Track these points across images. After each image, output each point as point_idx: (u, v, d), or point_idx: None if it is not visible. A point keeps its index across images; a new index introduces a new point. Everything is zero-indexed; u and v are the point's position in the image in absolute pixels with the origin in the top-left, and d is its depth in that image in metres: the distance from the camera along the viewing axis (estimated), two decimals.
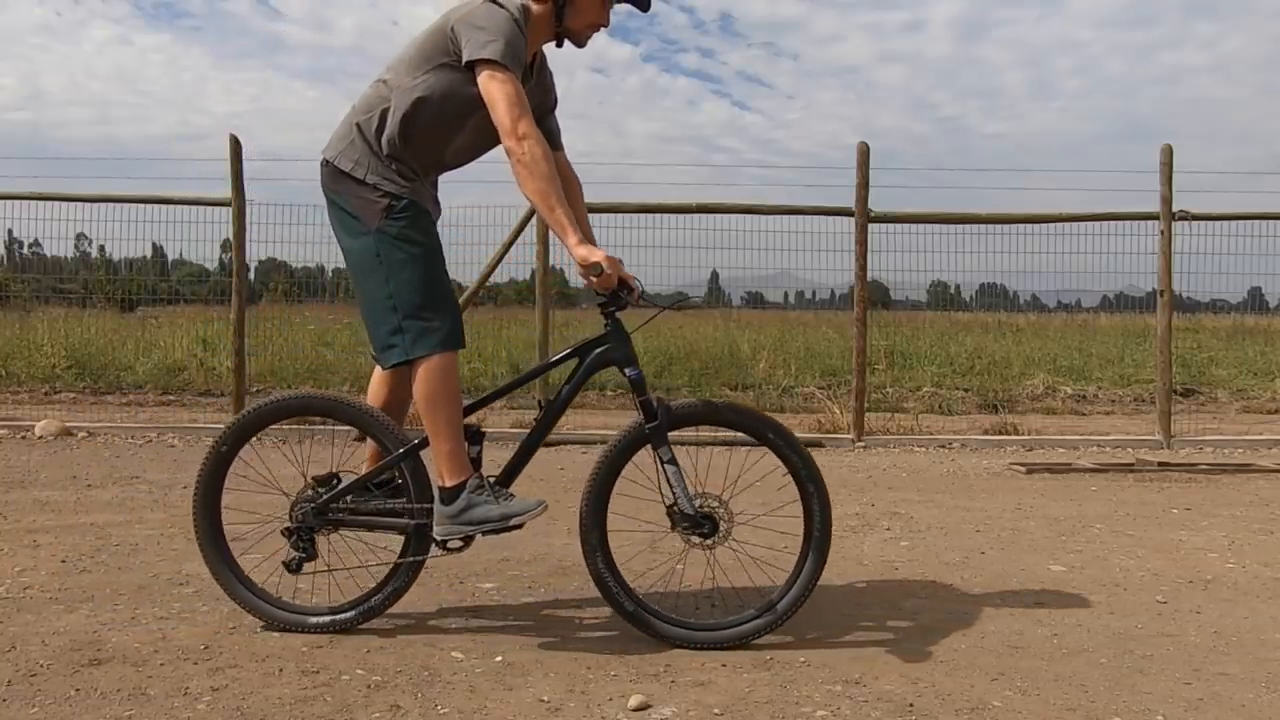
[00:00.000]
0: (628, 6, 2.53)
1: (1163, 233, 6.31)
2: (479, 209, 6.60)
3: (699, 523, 2.44)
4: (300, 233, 6.70)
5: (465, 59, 2.34)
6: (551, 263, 6.43)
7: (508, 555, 3.30)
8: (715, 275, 7.96)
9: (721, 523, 2.46)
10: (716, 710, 2.04)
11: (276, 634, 2.47)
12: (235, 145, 6.36)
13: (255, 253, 6.73)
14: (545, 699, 2.09)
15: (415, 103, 2.40)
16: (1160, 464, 5.51)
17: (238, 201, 6.40)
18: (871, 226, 6.35)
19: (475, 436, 2.48)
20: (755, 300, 9.89)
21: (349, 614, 2.50)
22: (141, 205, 6.70)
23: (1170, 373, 6.49)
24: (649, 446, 2.45)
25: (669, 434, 2.44)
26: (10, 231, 7.36)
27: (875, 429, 6.51)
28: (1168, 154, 6.32)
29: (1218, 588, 3.07)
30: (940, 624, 2.65)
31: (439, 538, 2.41)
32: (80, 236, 7.45)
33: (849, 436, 6.28)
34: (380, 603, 2.51)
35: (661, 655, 2.38)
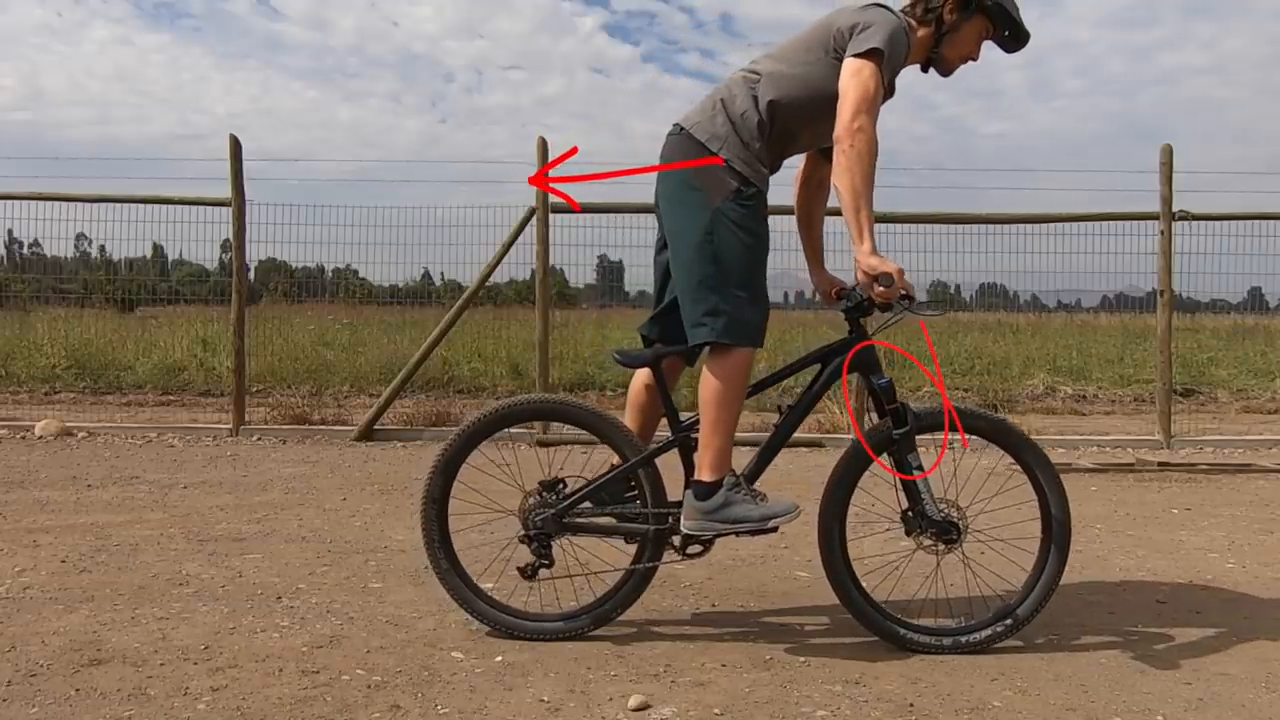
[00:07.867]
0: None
1: (1163, 233, 6.31)
2: (479, 209, 6.61)
3: (946, 529, 2.42)
4: (300, 233, 6.74)
5: (849, 54, 2.30)
6: (552, 262, 6.42)
7: (506, 556, 3.28)
8: None
9: (963, 527, 2.44)
10: (716, 710, 2.04)
11: (277, 634, 2.47)
12: (235, 145, 6.36)
13: (255, 253, 6.76)
14: (545, 699, 2.09)
15: (786, 89, 2.37)
16: (1160, 464, 5.51)
17: (238, 201, 6.40)
18: None
19: None
20: None
21: (582, 619, 2.48)
22: (141, 205, 6.71)
23: (1170, 373, 6.49)
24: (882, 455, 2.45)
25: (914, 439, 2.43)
26: (10, 231, 7.37)
27: None
28: (1168, 154, 6.31)
29: (1218, 588, 3.07)
30: None
31: (691, 531, 2.35)
32: (80, 236, 7.47)
33: (849, 437, 6.27)
34: (612, 609, 2.48)
35: (661, 655, 2.37)
